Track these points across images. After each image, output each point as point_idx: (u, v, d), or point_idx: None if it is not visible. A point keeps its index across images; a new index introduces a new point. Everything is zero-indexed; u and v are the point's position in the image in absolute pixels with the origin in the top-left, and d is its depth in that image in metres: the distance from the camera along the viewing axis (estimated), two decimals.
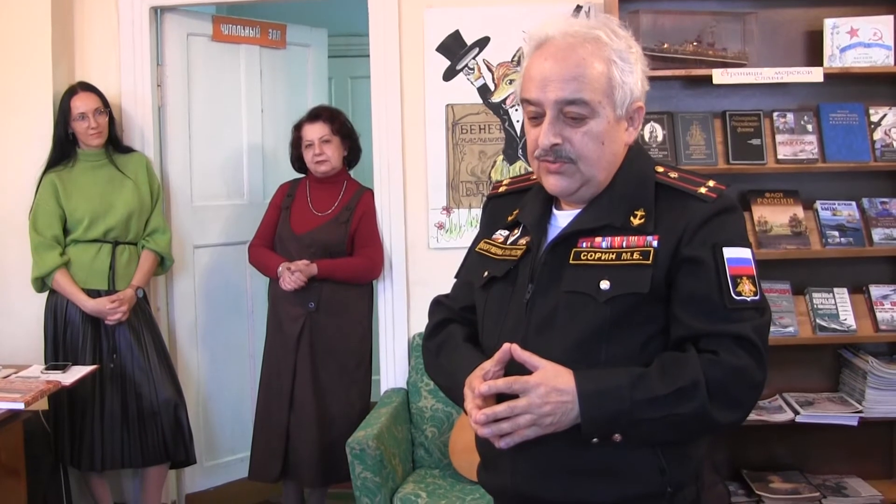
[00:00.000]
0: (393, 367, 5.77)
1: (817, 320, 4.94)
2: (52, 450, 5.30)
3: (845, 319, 4.95)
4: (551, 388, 2.28)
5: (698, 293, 2.37)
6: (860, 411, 4.86)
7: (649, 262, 2.38)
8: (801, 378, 5.16)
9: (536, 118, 2.45)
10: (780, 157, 5.02)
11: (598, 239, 2.45)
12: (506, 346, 2.36)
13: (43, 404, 5.10)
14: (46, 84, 5.61)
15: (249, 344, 6.50)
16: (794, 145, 5.03)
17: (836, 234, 4.98)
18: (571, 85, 2.38)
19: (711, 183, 2.48)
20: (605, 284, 2.38)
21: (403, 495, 4.83)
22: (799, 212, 5.03)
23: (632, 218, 2.45)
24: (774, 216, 5.00)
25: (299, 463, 5.45)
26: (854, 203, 5.07)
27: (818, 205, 5.07)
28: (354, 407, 5.48)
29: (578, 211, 2.52)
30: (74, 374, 4.86)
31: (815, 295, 5.02)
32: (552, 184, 2.48)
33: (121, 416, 5.34)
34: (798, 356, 5.11)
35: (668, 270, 2.39)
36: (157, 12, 5.96)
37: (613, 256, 2.42)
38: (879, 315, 4.97)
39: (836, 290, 5.05)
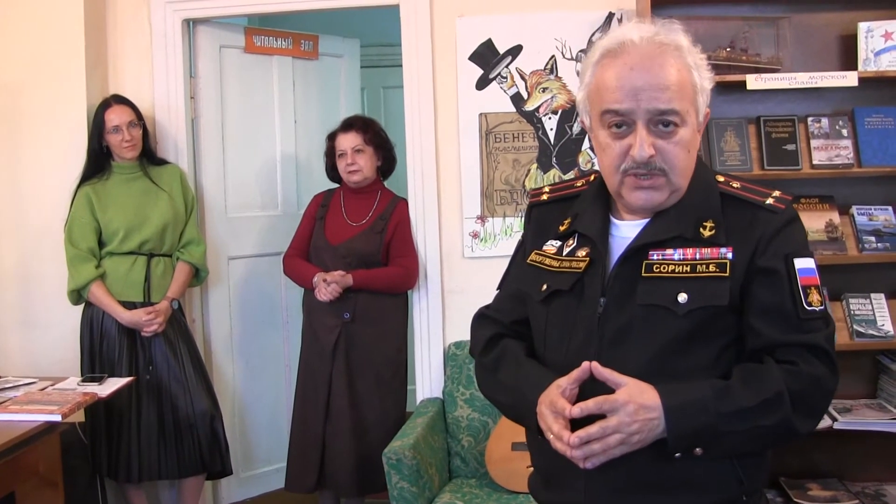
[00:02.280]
0: (429, 376, 5.76)
1: (854, 326, 4.91)
2: (89, 461, 5.32)
3: (883, 325, 4.91)
4: (639, 405, 2.27)
5: (774, 304, 2.38)
6: None
7: (726, 274, 2.38)
8: (839, 385, 5.10)
9: (619, 127, 2.40)
10: (815, 162, 4.99)
11: (669, 251, 2.44)
12: (585, 364, 2.35)
13: (80, 416, 5.12)
14: (80, 97, 5.63)
15: (285, 354, 6.51)
16: (829, 150, 5.00)
17: (873, 239, 4.95)
18: (665, 94, 2.35)
19: (777, 193, 2.48)
20: (682, 297, 2.37)
21: None
22: (835, 217, 5.00)
23: (701, 229, 2.44)
24: (810, 222, 4.96)
25: (335, 473, 5.44)
26: (890, 208, 5.03)
27: (854, 210, 5.04)
28: (390, 417, 5.47)
29: (642, 221, 2.51)
30: (111, 385, 4.87)
31: (852, 301, 4.99)
32: (641, 198, 2.44)
33: (157, 428, 5.36)
34: None
35: (742, 282, 2.39)
36: (190, 25, 5.99)
37: (688, 269, 2.41)
38: None
39: (873, 295, 5.02)
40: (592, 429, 2.28)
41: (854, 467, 5.14)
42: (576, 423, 2.32)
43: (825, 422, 4.82)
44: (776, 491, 5.03)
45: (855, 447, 5.06)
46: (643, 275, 2.43)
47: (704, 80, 2.45)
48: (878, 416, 4.85)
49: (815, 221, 4.97)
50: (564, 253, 2.60)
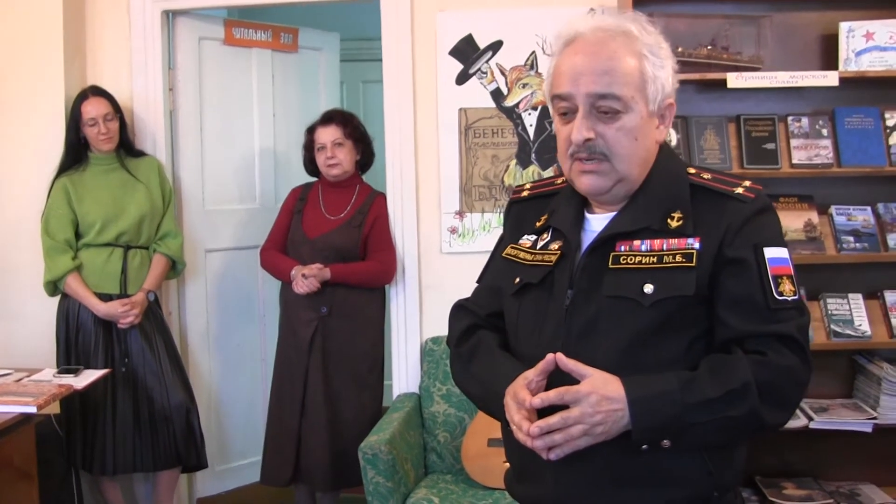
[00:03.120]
0: (405, 371, 5.75)
1: (832, 326, 4.91)
2: (64, 453, 5.30)
3: (860, 325, 4.92)
4: (602, 396, 2.26)
5: (742, 294, 2.36)
6: (874, 417, 4.83)
7: (692, 264, 2.37)
8: (816, 384, 5.01)
9: (567, 114, 2.42)
10: (794, 161, 5.00)
11: (637, 242, 2.43)
12: (550, 356, 2.34)
13: (55, 408, 5.09)
14: (58, 88, 5.61)
15: (261, 348, 6.49)
16: (808, 150, 5.00)
17: (851, 239, 4.96)
18: (604, 79, 2.36)
19: (747, 183, 2.48)
20: (648, 288, 2.36)
21: (416, 500, 4.81)
22: (814, 217, 5.00)
23: (669, 220, 2.44)
24: (789, 221, 4.96)
25: (311, 467, 5.44)
26: (869, 208, 5.04)
27: (833, 210, 5.05)
28: (366, 411, 5.47)
29: (613, 213, 2.50)
30: (86, 377, 4.86)
31: (829, 301, 5.00)
32: (585, 183, 2.44)
33: (133, 420, 5.34)
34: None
35: (711, 272, 2.38)
36: (169, 16, 5.96)
37: (655, 259, 2.40)
38: (894, 321, 4.95)
39: (850, 295, 5.02)
40: (553, 419, 2.27)
41: (829, 467, 5.15)
42: (543, 415, 2.32)
43: (801, 421, 4.83)
44: (751, 490, 5.04)
45: (830, 447, 5.07)
46: (610, 266, 2.43)
47: (659, 68, 2.44)
48: (854, 416, 4.86)
49: (793, 221, 4.97)
50: (538, 247, 2.61)
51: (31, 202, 5.54)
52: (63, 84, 5.61)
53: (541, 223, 2.66)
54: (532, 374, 2.36)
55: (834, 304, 4.98)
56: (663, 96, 2.46)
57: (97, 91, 5.46)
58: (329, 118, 5.61)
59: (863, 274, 5.10)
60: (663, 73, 2.45)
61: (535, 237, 2.65)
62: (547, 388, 2.35)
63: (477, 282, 2.88)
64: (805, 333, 2.39)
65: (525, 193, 2.81)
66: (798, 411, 4.90)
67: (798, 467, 5.16)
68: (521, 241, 2.68)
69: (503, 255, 2.72)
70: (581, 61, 2.39)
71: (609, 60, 2.37)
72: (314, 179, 5.77)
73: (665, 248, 2.41)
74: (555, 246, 2.56)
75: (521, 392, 2.35)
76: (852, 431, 4.84)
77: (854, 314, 4.95)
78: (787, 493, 4.94)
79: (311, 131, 5.66)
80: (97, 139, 5.38)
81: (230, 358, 6.36)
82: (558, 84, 2.43)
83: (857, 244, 4.95)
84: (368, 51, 7.43)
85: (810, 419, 4.82)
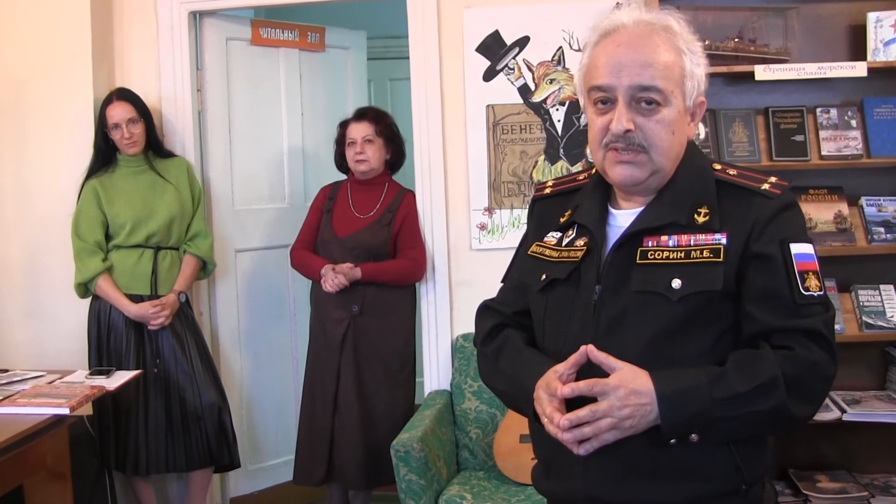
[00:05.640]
0: (436, 368, 5.75)
1: (863, 317, 4.89)
2: (97, 454, 5.32)
3: (892, 316, 4.89)
4: (630, 390, 2.27)
5: (769, 289, 2.37)
6: None
7: (720, 259, 2.38)
8: (848, 376, 5.09)
9: (605, 104, 2.43)
10: (823, 153, 4.98)
11: (665, 237, 2.44)
12: (582, 348, 2.35)
13: (87, 409, 5.11)
14: (87, 90, 5.63)
15: (292, 347, 6.50)
16: (837, 141, 4.98)
17: (882, 230, 4.94)
18: (647, 71, 2.38)
19: (773, 179, 2.48)
20: (676, 283, 2.37)
21: (448, 497, 4.81)
22: (844, 208, 4.98)
23: (696, 215, 2.45)
24: (819, 213, 4.95)
25: (343, 466, 5.44)
26: None
27: (863, 201, 5.03)
28: (398, 409, 5.47)
29: (638, 209, 2.51)
30: (118, 378, 4.86)
31: (860, 292, 4.97)
32: (620, 173, 2.45)
33: (165, 421, 5.35)
34: (844, 354, 4.91)
35: (737, 267, 2.39)
36: (196, 17, 5.98)
37: (683, 255, 2.41)
38: None
39: (882, 286, 5.00)
40: (582, 412, 2.29)
41: (863, 459, 5.13)
42: (572, 409, 2.33)
43: (834, 413, 4.81)
44: (785, 483, 5.03)
45: (864, 439, 5.05)
46: (638, 262, 2.44)
47: (696, 65, 2.47)
48: (887, 408, 4.83)
49: (823, 213, 4.96)
50: (564, 243, 2.62)
51: (61, 205, 5.56)
52: (91, 87, 5.63)
53: (565, 219, 2.66)
54: (563, 367, 2.38)
55: (865, 296, 4.95)
56: (697, 93, 2.48)
57: (122, 95, 5.47)
58: (362, 114, 5.63)
59: (894, 265, 5.07)
60: (699, 71, 2.48)
61: (560, 234, 2.66)
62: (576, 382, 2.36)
63: (502, 281, 2.89)
64: (831, 328, 2.40)
65: (548, 190, 2.82)
66: (831, 404, 4.89)
67: (831, 460, 5.14)
68: (546, 239, 2.69)
69: (528, 252, 2.73)
70: (624, 53, 2.40)
71: (652, 53, 2.39)
72: (343, 178, 5.78)
73: (692, 243, 2.42)
74: (580, 242, 2.56)
75: (554, 383, 2.37)
76: (886, 423, 4.81)
77: (886, 305, 4.93)
78: (821, 486, 4.92)
79: (343, 126, 5.67)
80: (121, 143, 5.39)
81: (261, 357, 6.38)
82: (596, 75, 2.43)
83: (888, 235, 4.93)
84: (395, 49, 7.44)
85: (843, 411, 4.80)
